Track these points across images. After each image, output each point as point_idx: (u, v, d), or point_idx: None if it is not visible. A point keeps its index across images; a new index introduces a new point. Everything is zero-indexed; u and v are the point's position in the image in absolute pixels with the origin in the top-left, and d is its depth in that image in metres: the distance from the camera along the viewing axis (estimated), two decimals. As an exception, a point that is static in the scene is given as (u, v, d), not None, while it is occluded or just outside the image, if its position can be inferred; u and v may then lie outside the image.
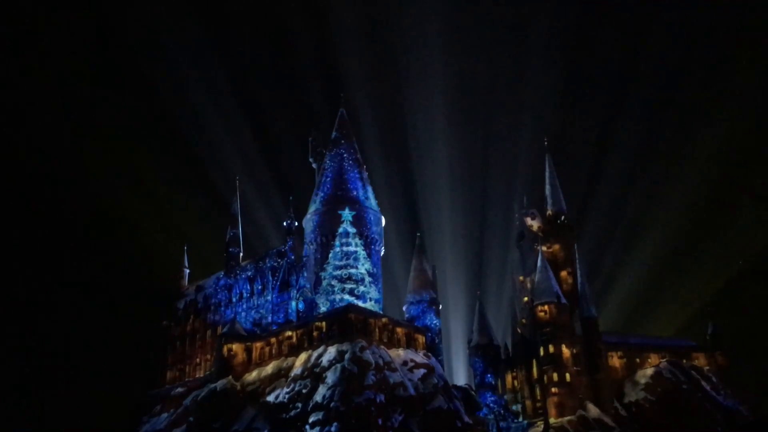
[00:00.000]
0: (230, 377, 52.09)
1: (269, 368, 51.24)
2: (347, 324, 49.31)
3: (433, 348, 56.52)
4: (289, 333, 53.02)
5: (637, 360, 61.50)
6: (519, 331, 63.64)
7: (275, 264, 60.04)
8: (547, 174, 69.65)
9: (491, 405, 58.79)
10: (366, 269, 54.24)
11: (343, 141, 70.38)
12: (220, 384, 51.35)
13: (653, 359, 61.69)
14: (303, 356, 49.79)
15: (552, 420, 55.16)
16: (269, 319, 57.00)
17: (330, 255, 55.35)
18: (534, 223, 66.69)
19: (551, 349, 57.53)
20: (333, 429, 42.92)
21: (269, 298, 57.85)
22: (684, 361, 62.12)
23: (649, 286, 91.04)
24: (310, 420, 44.66)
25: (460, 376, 72.82)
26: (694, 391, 58.34)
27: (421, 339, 53.92)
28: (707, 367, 62.43)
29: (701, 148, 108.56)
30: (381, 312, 54.52)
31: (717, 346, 63.96)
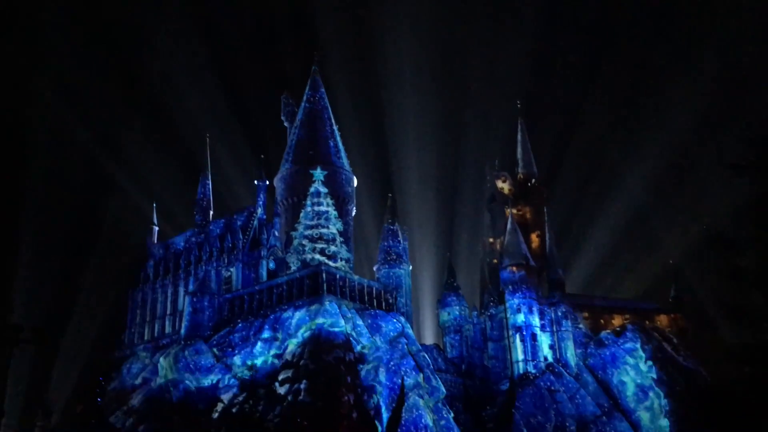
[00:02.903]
0: (200, 335, 52.19)
1: (239, 327, 51.37)
2: (318, 283, 49.53)
3: (403, 308, 57.11)
4: (259, 292, 53.11)
5: (602, 321, 62.80)
6: (488, 292, 64.50)
7: (246, 223, 59.77)
8: (519, 137, 69.95)
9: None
10: (337, 229, 54.26)
11: (315, 100, 69.80)
12: (189, 342, 51.44)
13: (617, 320, 63.05)
14: (273, 316, 49.99)
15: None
16: (239, 277, 56.93)
17: (301, 214, 55.22)
18: (505, 186, 67.19)
19: (519, 310, 58.49)
20: (302, 386, 43.39)
21: (239, 256, 57.66)
22: (647, 322, 63.57)
23: (616, 249, 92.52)
24: (280, 377, 45.09)
25: (429, 336, 73.97)
26: (656, 352, 59.84)
27: (391, 299, 54.41)
28: (669, 329, 64.00)
29: (673, 114, 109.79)
30: (352, 272, 54.77)
31: (679, 308, 65.50)
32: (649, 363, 57.45)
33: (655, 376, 56.62)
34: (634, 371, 57.27)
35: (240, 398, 45.63)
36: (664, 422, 54.81)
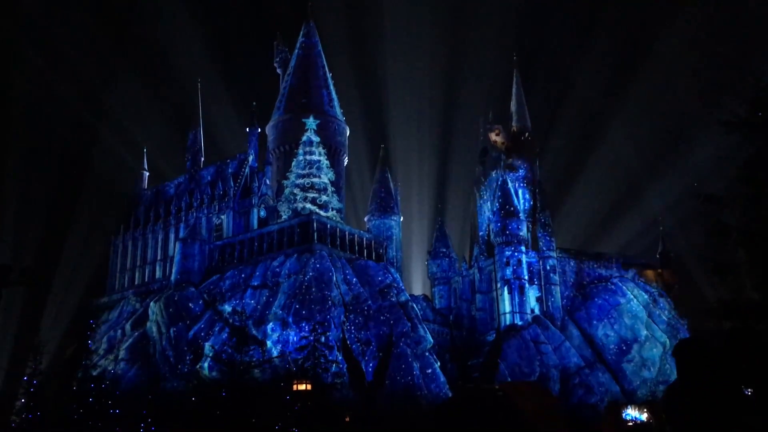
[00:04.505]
0: (190, 281, 52.43)
1: (229, 274, 51.62)
2: (308, 233, 49.67)
3: (393, 259, 57.47)
4: (250, 240, 53.24)
5: (589, 275, 63.23)
6: (477, 244, 64.82)
7: (237, 170, 59.51)
8: (513, 90, 69.31)
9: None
10: (329, 179, 54.18)
11: (309, 48, 68.81)
12: (180, 288, 51.71)
13: (604, 274, 63.53)
14: (263, 264, 50.21)
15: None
16: (230, 225, 56.96)
17: (293, 163, 55.01)
18: (498, 139, 66.81)
19: (508, 263, 58.96)
20: (290, 339, 43.92)
21: (230, 204, 57.59)
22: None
23: (605, 204, 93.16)
24: (269, 329, 45.52)
25: (418, 286, 74.66)
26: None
27: (381, 250, 54.69)
28: (655, 284, 64.67)
29: (667, 71, 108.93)
30: (343, 222, 54.88)
31: (665, 264, 66.14)
32: (632, 316, 58.30)
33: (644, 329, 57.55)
34: (618, 324, 58.11)
35: (230, 345, 46.14)
36: (647, 374, 55.92)
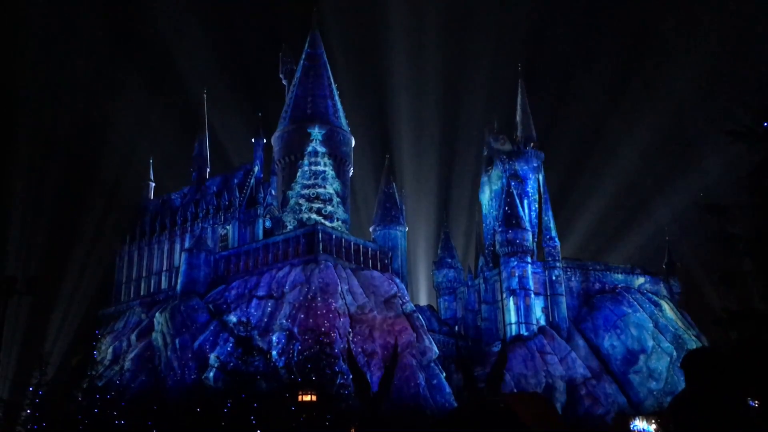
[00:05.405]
0: (196, 291, 52.43)
1: (234, 284, 51.62)
2: (313, 243, 49.65)
3: (399, 270, 57.39)
4: (255, 250, 53.25)
5: (595, 285, 63.06)
6: (483, 254, 64.75)
7: (243, 181, 59.66)
8: (519, 100, 69.39)
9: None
10: (334, 189, 54.22)
11: (314, 58, 69.09)
12: (185, 298, 51.71)
13: (610, 284, 63.33)
14: (268, 274, 50.19)
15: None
16: (235, 235, 57.04)
17: (298, 173, 55.11)
18: (503, 149, 66.83)
19: (513, 273, 58.80)
20: (297, 344, 43.83)
21: (236, 214, 57.70)
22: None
23: (610, 214, 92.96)
24: (274, 339, 45.45)
25: (423, 297, 74.54)
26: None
27: (386, 260, 54.62)
28: (661, 294, 64.34)
29: (672, 80, 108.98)
30: (348, 232, 54.87)
31: (672, 274, 65.92)
32: (639, 326, 58.03)
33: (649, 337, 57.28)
34: (624, 335, 57.84)
35: (235, 355, 46.05)
36: (654, 385, 55.57)
